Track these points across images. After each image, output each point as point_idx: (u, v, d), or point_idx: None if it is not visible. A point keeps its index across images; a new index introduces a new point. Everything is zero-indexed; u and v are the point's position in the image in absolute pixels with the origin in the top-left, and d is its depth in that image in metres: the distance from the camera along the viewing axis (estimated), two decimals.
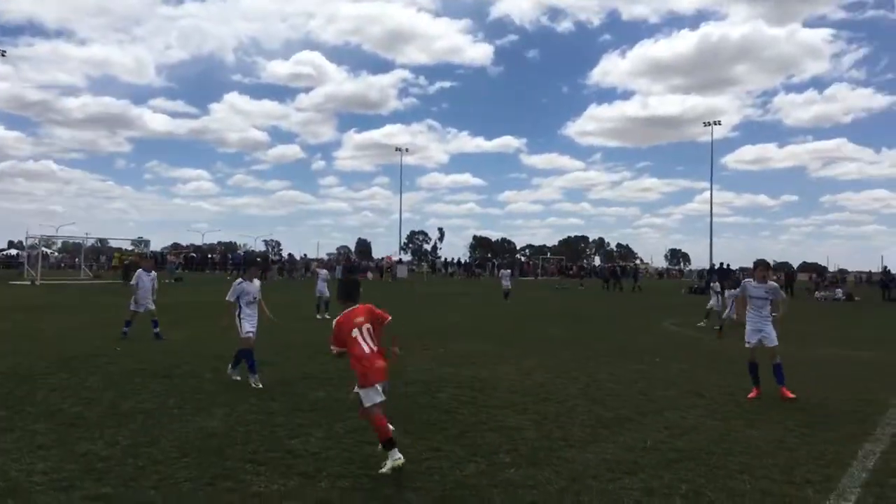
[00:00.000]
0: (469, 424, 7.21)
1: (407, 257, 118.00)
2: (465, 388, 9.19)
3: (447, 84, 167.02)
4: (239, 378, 9.27)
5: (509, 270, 31.11)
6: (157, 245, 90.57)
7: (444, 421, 7.35)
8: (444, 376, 10.09)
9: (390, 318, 6.12)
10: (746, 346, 9.34)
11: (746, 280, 9.74)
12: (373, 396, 5.70)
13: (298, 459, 5.88)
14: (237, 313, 9.44)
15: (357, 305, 6.09)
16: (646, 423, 7.46)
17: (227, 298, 9.57)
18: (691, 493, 5.25)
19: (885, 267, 48.79)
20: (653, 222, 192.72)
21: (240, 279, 9.72)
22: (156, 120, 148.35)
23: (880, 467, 5.97)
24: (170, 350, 11.99)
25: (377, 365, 5.78)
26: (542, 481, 5.44)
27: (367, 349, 5.80)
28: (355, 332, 5.83)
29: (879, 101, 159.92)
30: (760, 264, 9.70)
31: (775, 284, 9.67)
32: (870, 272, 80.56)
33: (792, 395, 8.94)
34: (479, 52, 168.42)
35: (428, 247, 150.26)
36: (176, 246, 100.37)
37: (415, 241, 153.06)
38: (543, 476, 5.56)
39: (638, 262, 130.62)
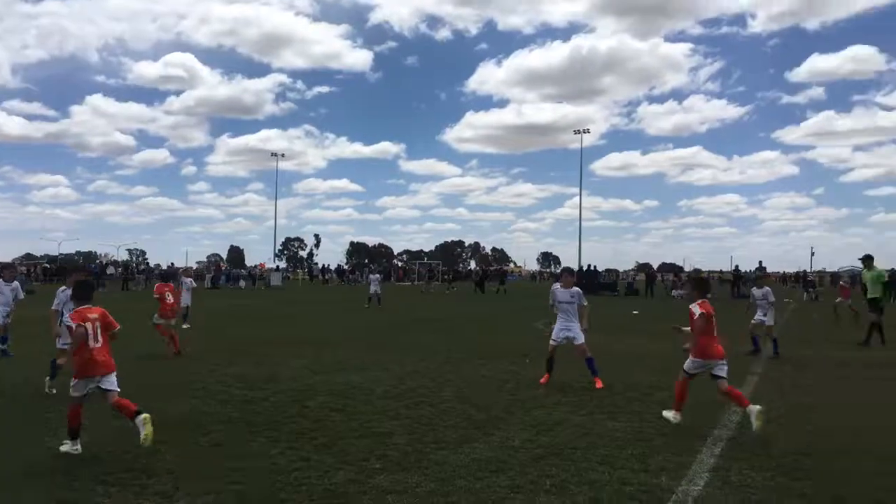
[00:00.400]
0: (339, 432, 7.12)
1: (282, 264, 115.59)
2: (336, 396, 9.08)
3: (325, 89, 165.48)
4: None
5: (378, 275, 31.02)
6: (7, 256, 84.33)
7: (313, 430, 7.22)
8: (315, 384, 9.93)
9: (119, 326, 6.75)
10: (552, 343, 10.19)
11: (554, 286, 10.48)
12: (80, 387, 6.30)
13: (153, 479, 5.59)
14: (60, 321, 8.98)
15: (92, 305, 6.63)
16: (515, 422, 7.63)
17: (52, 307, 9.34)
18: (555, 487, 5.41)
19: (736, 266, 52.45)
20: (527, 227, 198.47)
21: (64, 287, 9.43)
22: (10, 123, 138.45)
23: (727, 453, 6.38)
24: (18, 366, 11.13)
25: (98, 359, 6.34)
26: (411, 485, 5.44)
27: (93, 343, 6.34)
28: (88, 326, 6.37)
29: (731, 112, 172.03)
30: (565, 271, 10.98)
31: (579, 290, 10.35)
32: (721, 271, 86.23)
33: (601, 385, 9.77)
34: (358, 58, 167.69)
35: (304, 253, 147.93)
36: (29, 256, 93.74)
37: (290, 247, 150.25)
38: (413, 480, 5.57)
39: (511, 265, 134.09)
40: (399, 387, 9.83)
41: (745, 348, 13.66)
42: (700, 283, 8.33)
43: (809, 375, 11.35)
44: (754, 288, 14.81)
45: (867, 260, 16.51)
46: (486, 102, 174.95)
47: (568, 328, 10.09)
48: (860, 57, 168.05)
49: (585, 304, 10.25)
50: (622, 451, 6.40)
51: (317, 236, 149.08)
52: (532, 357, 12.23)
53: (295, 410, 8.19)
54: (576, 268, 60.84)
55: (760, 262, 48.17)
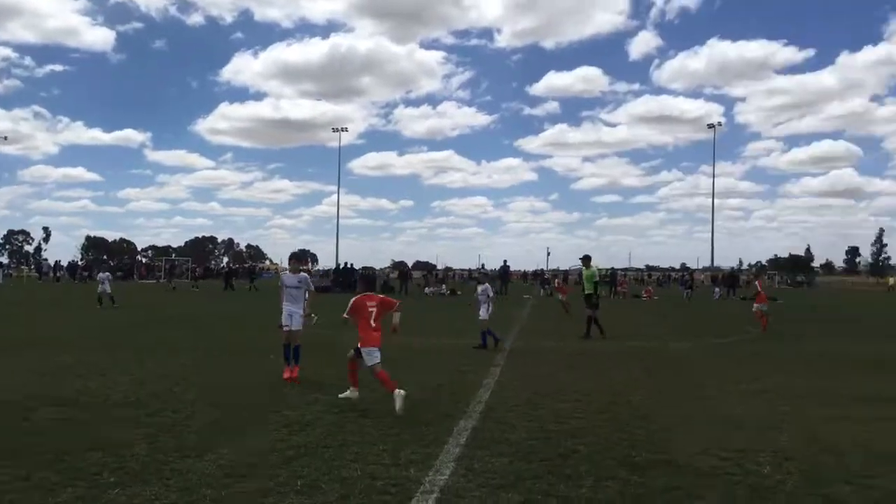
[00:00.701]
0: (68, 445, 6.44)
1: (3, 259, 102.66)
2: (66, 405, 8.22)
3: (59, 67, 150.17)
4: None
5: (108, 274, 28.58)
6: None
7: (36, 444, 6.46)
8: (41, 393, 8.91)
9: None
10: (283, 328, 10.58)
11: (283, 271, 10.95)
12: None
13: None
14: None
15: None
16: (266, 423, 7.43)
17: None
18: (306, 487, 5.34)
19: (483, 264, 55.87)
20: (283, 223, 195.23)
21: None
22: None
23: (471, 442, 6.73)
24: None
25: None
26: (150, 498, 5.06)
27: None
28: None
29: (480, 119, 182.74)
30: (293, 257, 11.69)
31: (306, 276, 11.26)
32: (470, 269, 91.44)
33: (295, 377, 10.16)
34: (98, 37, 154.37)
35: (30, 248, 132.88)
36: None
37: (13, 241, 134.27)
38: (153, 492, 5.18)
39: (267, 262, 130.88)
40: (139, 391, 9.15)
41: (476, 342, 14.53)
42: (364, 278, 9.51)
43: (548, 363, 12.36)
44: (478, 285, 15.78)
45: (585, 260, 18.44)
46: (241, 94, 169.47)
47: (292, 314, 10.56)
48: (589, 77, 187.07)
49: (313, 289, 11.06)
50: (374, 447, 6.48)
51: (46, 229, 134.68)
52: (275, 356, 12.00)
53: (14, 423, 7.29)
54: (333, 265, 60.82)
55: (505, 261, 51.60)
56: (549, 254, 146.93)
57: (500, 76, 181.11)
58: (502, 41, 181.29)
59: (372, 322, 8.55)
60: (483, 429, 7.28)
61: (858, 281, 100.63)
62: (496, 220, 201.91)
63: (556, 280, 35.78)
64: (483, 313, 14.71)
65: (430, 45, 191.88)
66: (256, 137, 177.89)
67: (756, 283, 24.71)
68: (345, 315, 8.67)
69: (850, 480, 5.66)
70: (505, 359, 13.00)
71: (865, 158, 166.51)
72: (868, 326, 23.52)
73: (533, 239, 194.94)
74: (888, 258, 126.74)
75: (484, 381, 10.30)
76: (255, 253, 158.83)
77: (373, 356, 8.40)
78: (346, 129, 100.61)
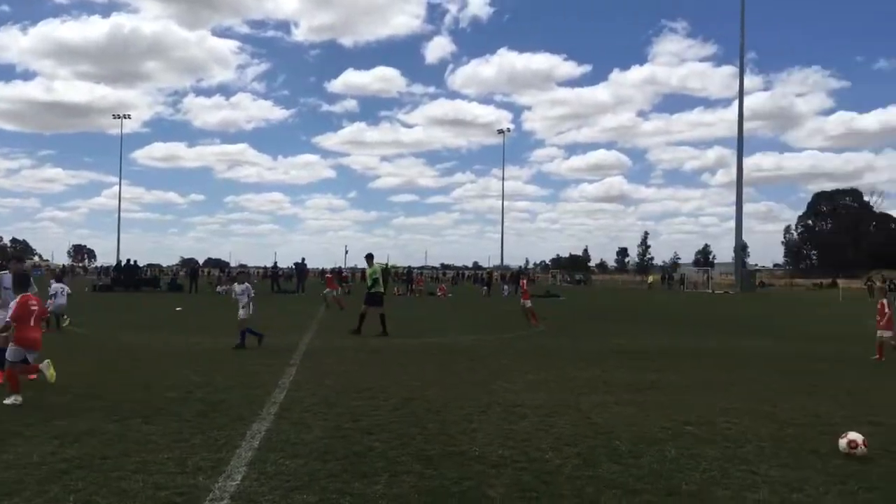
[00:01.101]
0: None
1: None
2: None
3: None
4: None
5: None
6: None
7: None
8: None
9: None
10: None
11: (2, 273, 10.19)
12: None
13: None
14: None
15: None
16: (33, 436, 6.73)
17: None
18: (80, 502, 4.91)
19: (276, 262, 54.63)
20: (56, 216, 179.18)
21: None
22: None
23: (265, 444, 6.54)
24: None
25: None
26: None
27: None
28: None
29: (277, 113, 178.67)
30: (13, 257, 10.76)
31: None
32: (265, 267, 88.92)
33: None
34: None
35: None
36: None
37: None
38: None
39: (36, 258, 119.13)
40: None
41: (286, 342, 14.26)
42: (18, 278, 9.14)
43: (344, 362, 12.32)
44: (236, 284, 15.30)
45: (368, 258, 18.80)
46: (6, 73, 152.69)
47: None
48: (387, 77, 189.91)
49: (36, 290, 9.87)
50: (159, 455, 6.09)
51: None
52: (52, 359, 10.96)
53: None
54: (114, 262, 56.61)
55: (303, 259, 50.88)
56: (347, 252, 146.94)
57: (297, 70, 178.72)
58: (300, 35, 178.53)
59: (32, 322, 8.47)
60: (277, 430, 7.11)
61: (627, 279, 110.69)
62: (293, 216, 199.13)
63: (327, 274, 35.05)
64: (242, 312, 14.27)
65: (223, 32, 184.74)
66: (24, 121, 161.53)
67: (521, 282, 26.32)
68: (8, 319, 8.46)
69: (619, 461, 6.19)
70: (301, 358, 12.80)
71: (633, 168, 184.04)
72: (636, 320, 25.89)
73: (331, 237, 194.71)
74: (651, 258, 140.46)
75: (279, 382, 10.07)
76: (23, 248, 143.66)
77: (19, 355, 8.32)
78: (129, 117, 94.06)
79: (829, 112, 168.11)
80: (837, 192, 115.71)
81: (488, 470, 5.86)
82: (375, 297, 17.85)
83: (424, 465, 5.95)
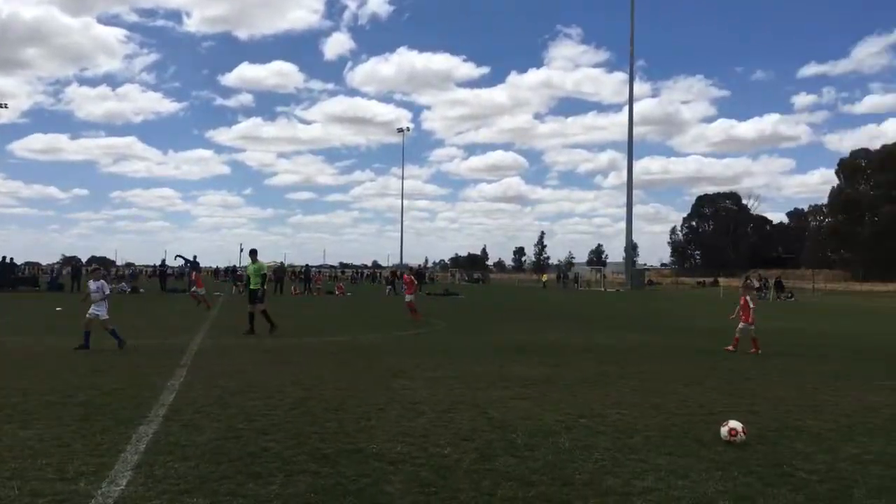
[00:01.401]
0: None
1: None
2: None
3: None
4: None
5: None
6: None
7: None
8: None
9: None
10: None
11: None
12: None
13: None
14: None
15: None
16: None
17: None
18: None
19: (163, 260, 52.62)
20: None
21: None
22: None
23: (151, 447, 6.26)
24: None
25: None
26: None
27: None
28: None
29: (167, 106, 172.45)
30: None
31: None
32: (155, 265, 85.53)
33: None
34: None
35: None
36: None
37: None
38: None
39: None
40: None
41: (174, 341, 13.75)
42: None
43: (238, 362, 11.97)
44: (91, 281, 14.20)
45: (252, 254, 18.31)
46: None
47: None
48: (284, 72, 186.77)
49: None
50: (37, 461, 5.73)
51: None
52: None
53: None
54: None
55: (195, 256, 49.05)
56: (242, 250, 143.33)
57: (189, 62, 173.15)
58: (192, 26, 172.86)
59: None
60: (166, 433, 6.82)
61: (524, 278, 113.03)
62: (184, 213, 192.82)
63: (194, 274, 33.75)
64: (95, 310, 13.43)
65: (109, 20, 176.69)
66: None
67: (404, 277, 26.76)
68: None
69: (515, 453, 6.29)
70: (192, 358, 12.36)
71: (530, 169, 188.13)
72: (532, 317, 26.44)
73: (225, 234, 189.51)
74: (548, 258, 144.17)
75: (168, 383, 9.69)
76: None
77: None
78: (7, 106, 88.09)
79: (711, 119, 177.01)
80: (718, 195, 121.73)
81: (386, 467, 5.83)
82: (254, 294, 17.47)
83: (321, 464, 5.85)
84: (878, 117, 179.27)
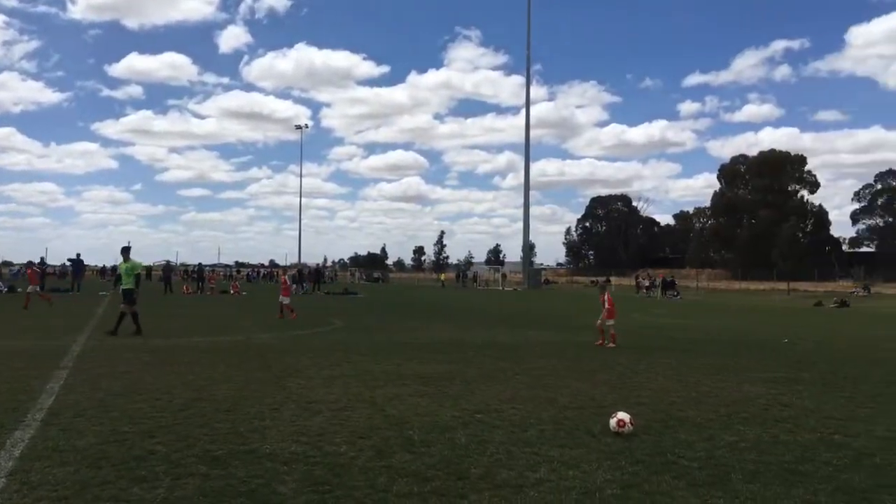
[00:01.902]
0: None
1: None
2: None
3: None
4: None
5: None
6: None
7: None
8: None
9: None
10: None
11: None
12: None
13: None
14: None
15: None
16: None
17: None
18: None
19: (42, 258, 49.83)
20: None
21: None
22: None
23: (28, 453, 5.91)
24: None
25: None
26: None
27: None
28: None
29: (50, 96, 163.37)
30: None
31: None
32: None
33: None
34: None
35: None
36: None
37: None
38: None
39: None
40: None
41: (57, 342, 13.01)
42: None
43: (123, 363, 11.44)
44: None
45: (124, 252, 17.06)
46: None
47: None
48: (176, 64, 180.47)
49: None
50: None
51: None
52: None
53: None
54: None
55: (78, 255, 46.81)
56: (130, 248, 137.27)
57: (74, 51, 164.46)
58: (77, 13, 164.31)
59: None
60: (44, 437, 6.45)
61: (424, 277, 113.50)
62: (68, 209, 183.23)
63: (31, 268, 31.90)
64: None
65: None
66: None
67: (281, 277, 26.66)
68: None
69: (412, 450, 6.30)
70: (74, 360, 11.75)
71: (430, 169, 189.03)
72: (431, 316, 26.56)
73: (112, 231, 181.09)
74: (447, 257, 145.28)
75: (47, 386, 9.16)
76: None
77: None
78: None
79: (604, 124, 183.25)
80: (611, 197, 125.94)
81: (279, 467, 5.71)
82: (128, 294, 16.55)
83: (211, 466, 5.67)
84: (755, 126, 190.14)
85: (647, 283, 55.59)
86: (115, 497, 4.88)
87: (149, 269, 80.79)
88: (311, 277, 54.27)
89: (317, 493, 5.09)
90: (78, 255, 46.86)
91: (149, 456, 5.94)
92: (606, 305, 16.00)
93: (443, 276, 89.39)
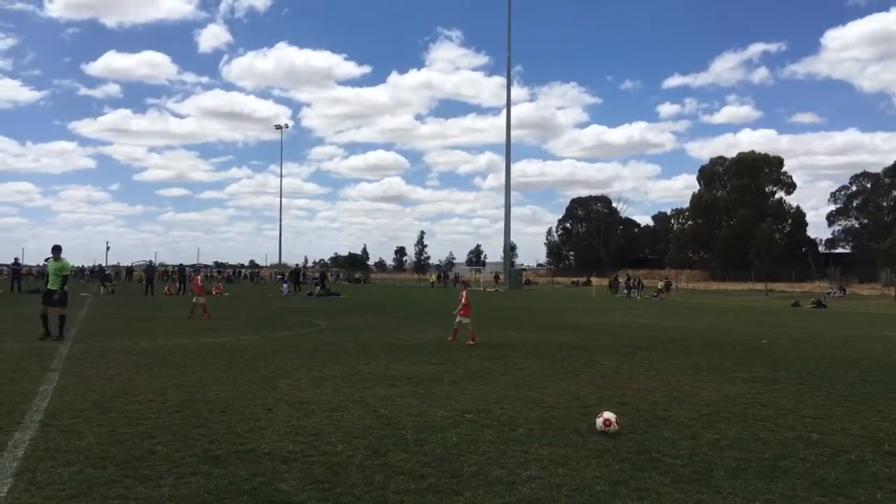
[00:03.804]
0: None
1: None
2: None
3: None
4: None
5: None
6: None
7: None
8: None
9: None
10: None
11: None
12: None
13: None
14: None
15: None
16: None
17: None
18: None
19: (16, 259, 49.34)
20: None
21: None
22: None
23: (30, 454, 6.03)
24: None
25: None
26: None
27: None
28: None
29: (26, 94, 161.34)
30: None
31: None
32: (6, 265, 79.96)
33: None
34: None
35: None
36: None
37: None
38: None
39: None
40: None
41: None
42: None
43: (112, 365, 11.52)
44: None
45: (55, 250, 16.11)
46: None
47: None
48: (155, 62, 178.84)
49: None
50: None
51: None
52: None
53: None
54: None
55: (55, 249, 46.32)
56: (108, 248, 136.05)
57: (51, 49, 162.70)
58: (54, 11, 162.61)
59: None
60: (45, 439, 6.57)
61: (405, 277, 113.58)
62: (44, 209, 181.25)
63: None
64: None
65: None
66: None
67: (194, 278, 26.42)
68: None
69: (406, 448, 6.50)
70: (63, 362, 11.80)
71: (411, 169, 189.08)
72: (414, 316, 26.72)
73: (89, 232, 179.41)
74: (428, 257, 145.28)
75: (40, 389, 9.24)
76: None
77: None
78: None
79: (584, 125, 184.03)
80: (591, 198, 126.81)
81: (279, 465, 5.88)
82: (51, 295, 15.64)
83: (212, 465, 5.83)
84: (734, 127, 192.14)
85: (631, 282, 56.07)
86: (121, 496, 5.03)
87: (129, 269, 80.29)
88: (291, 278, 54.18)
89: (317, 490, 5.27)
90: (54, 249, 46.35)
91: (150, 456, 6.08)
92: (463, 301, 16.43)
93: (431, 278, 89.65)
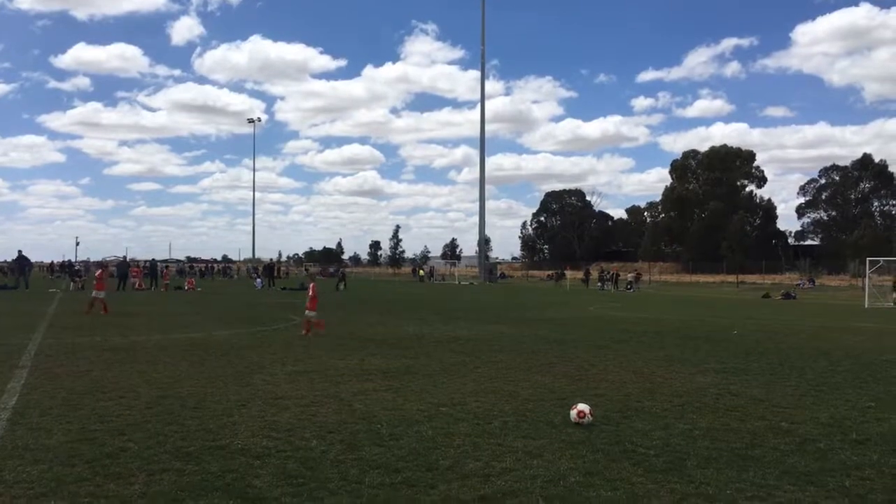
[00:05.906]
0: None
1: None
2: None
3: None
4: None
5: None
6: None
7: None
8: None
9: None
10: None
11: None
12: None
13: None
14: None
15: None
16: None
17: None
18: None
19: None
20: None
21: None
22: None
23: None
24: None
25: None
26: None
27: None
28: None
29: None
30: None
31: None
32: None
33: None
34: None
35: None
36: None
37: None
38: None
39: None
40: None
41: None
42: None
43: (83, 361, 11.36)
44: None
45: None
46: None
47: None
48: (126, 55, 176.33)
49: None
50: None
51: None
52: None
53: None
54: None
55: (20, 251, 45.51)
56: (78, 244, 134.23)
57: (20, 41, 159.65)
58: (24, 3, 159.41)
59: None
60: (13, 437, 6.47)
61: (380, 271, 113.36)
62: (13, 204, 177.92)
63: None
64: None
65: None
66: None
67: (98, 273, 25.82)
68: None
69: (381, 443, 6.48)
70: (32, 359, 11.61)
71: (386, 163, 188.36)
72: (390, 311, 26.67)
73: (59, 227, 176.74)
74: (403, 251, 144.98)
75: (8, 386, 9.10)
76: None
77: None
78: None
79: (559, 119, 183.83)
80: (565, 191, 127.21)
81: (252, 461, 5.84)
82: None
83: (184, 462, 5.78)
84: (706, 121, 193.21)
85: (605, 275, 56.38)
86: (92, 493, 4.96)
87: (101, 264, 79.01)
88: (265, 273, 53.89)
89: (291, 485, 5.24)
90: (20, 251, 45.46)
91: (121, 453, 6.01)
92: (310, 294, 16.55)
93: (421, 272, 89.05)
